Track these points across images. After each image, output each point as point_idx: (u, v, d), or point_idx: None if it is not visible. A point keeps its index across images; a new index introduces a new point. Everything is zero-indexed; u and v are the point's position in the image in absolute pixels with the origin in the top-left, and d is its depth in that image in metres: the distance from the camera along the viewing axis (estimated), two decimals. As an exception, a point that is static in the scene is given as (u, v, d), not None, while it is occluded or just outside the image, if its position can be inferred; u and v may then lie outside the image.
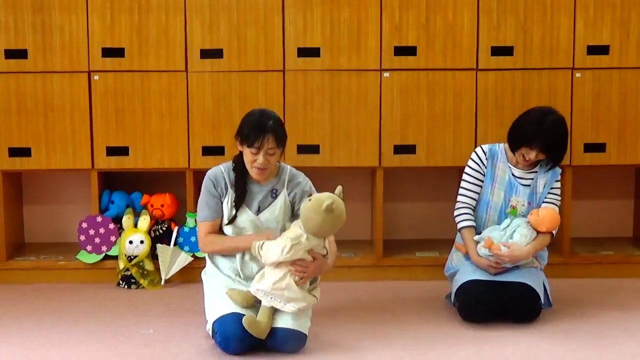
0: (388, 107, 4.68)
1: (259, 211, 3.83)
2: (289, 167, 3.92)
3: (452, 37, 4.64)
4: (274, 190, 3.85)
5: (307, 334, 3.72)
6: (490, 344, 3.80)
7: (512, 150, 4.17)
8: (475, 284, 4.05)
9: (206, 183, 3.86)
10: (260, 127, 3.71)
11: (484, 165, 4.22)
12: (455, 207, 4.25)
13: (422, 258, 4.83)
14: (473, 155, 4.25)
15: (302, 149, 4.68)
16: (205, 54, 4.64)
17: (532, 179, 4.19)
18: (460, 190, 4.25)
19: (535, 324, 4.03)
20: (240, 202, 3.80)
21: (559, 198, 4.23)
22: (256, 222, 3.81)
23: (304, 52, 4.64)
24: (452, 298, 4.18)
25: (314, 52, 4.64)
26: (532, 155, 4.08)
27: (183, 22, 4.63)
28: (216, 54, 4.64)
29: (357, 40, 4.63)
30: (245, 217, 3.81)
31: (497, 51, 4.65)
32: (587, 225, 5.18)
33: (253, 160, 3.73)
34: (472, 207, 4.23)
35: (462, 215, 4.22)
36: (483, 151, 4.23)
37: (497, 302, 4.03)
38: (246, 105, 4.65)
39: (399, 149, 4.71)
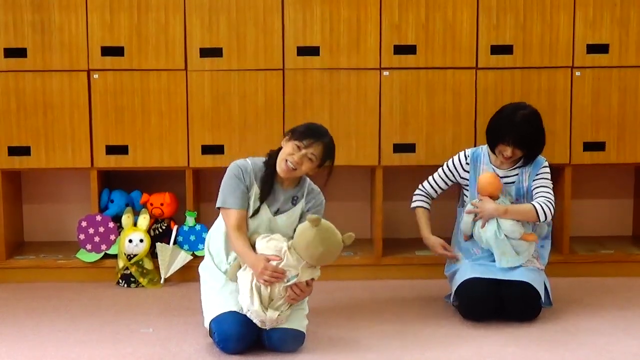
0: (387, 105, 4.68)
1: (277, 213, 3.81)
2: (308, 179, 3.91)
3: (451, 35, 4.64)
4: (295, 198, 3.84)
5: (305, 332, 3.72)
6: (490, 343, 3.79)
7: (491, 149, 4.20)
8: (475, 282, 4.05)
9: (235, 170, 3.77)
10: (318, 133, 3.75)
11: (463, 170, 4.26)
12: (415, 191, 4.36)
13: (422, 257, 4.83)
14: (455, 157, 4.30)
15: (302, 148, 4.68)
16: (205, 52, 4.63)
17: (517, 174, 4.19)
18: (428, 178, 4.34)
19: (535, 323, 4.03)
20: (265, 195, 3.77)
21: (546, 183, 4.17)
22: (272, 224, 3.79)
23: (303, 51, 4.64)
24: (452, 297, 4.18)
25: (313, 51, 4.64)
26: (508, 151, 4.09)
27: (182, 20, 4.62)
28: (216, 52, 4.64)
29: (357, 39, 4.63)
30: (264, 215, 3.79)
31: (496, 50, 4.65)
32: (586, 224, 5.18)
33: (290, 153, 3.69)
34: (430, 197, 4.34)
35: (416, 197, 4.35)
36: (465, 156, 4.27)
37: (497, 301, 4.03)
38: (246, 104, 4.66)
39: (399, 148, 4.71)
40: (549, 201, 4.09)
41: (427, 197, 4.33)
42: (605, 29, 4.65)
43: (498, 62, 4.66)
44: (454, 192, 5.02)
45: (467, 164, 4.24)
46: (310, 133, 3.73)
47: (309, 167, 3.74)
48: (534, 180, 4.17)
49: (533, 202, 4.10)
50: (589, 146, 4.73)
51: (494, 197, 4.13)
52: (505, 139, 4.07)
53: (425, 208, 4.30)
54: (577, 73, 4.68)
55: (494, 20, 4.64)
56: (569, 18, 4.64)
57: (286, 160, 3.71)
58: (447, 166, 4.30)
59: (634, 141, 4.73)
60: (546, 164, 4.22)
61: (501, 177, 4.19)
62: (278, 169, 3.75)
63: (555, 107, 4.68)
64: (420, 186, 4.35)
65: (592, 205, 5.19)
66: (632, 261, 4.83)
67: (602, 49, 4.66)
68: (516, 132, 4.05)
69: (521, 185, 4.18)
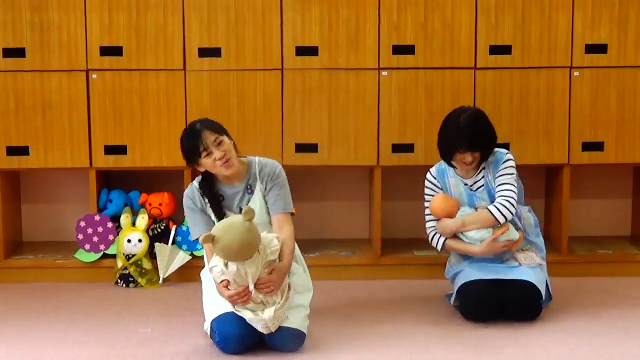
0: (386, 105, 4.68)
1: (241, 212, 3.81)
2: (257, 158, 3.90)
3: (450, 35, 4.64)
4: (249, 187, 3.85)
5: (305, 332, 3.72)
6: (489, 343, 3.79)
7: (448, 162, 4.14)
8: (476, 284, 4.04)
9: (186, 202, 3.86)
10: (192, 134, 3.75)
11: (437, 187, 4.21)
12: (428, 233, 4.23)
13: (420, 257, 4.83)
14: (425, 182, 4.24)
15: (300, 148, 4.68)
16: (203, 52, 4.63)
17: (483, 177, 4.17)
18: (426, 218, 4.23)
19: (535, 323, 4.03)
20: (219, 211, 3.80)
21: (506, 179, 4.07)
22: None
23: (302, 51, 4.64)
24: (453, 297, 4.17)
25: (312, 51, 4.64)
26: (467, 157, 4.03)
27: (181, 20, 4.62)
28: (214, 52, 4.64)
29: (356, 39, 4.63)
30: None
31: (495, 50, 4.65)
32: (585, 224, 5.18)
33: (212, 161, 3.72)
34: None
35: (436, 236, 4.19)
36: (432, 175, 4.23)
37: (498, 302, 4.03)
38: (244, 104, 4.66)
39: (397, 148, 4.71)
40: (505, 199, 4.02)
41: None
42: (604, 29, 4.65)
43: (497, 62, 4.67)
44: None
45: (438, 181, 4.21)
46: (193, 138, 3.73)
47: (228, 148, 3.74)
48: (496, 179, 4.12)
49: (489, 206, 4.05)
50: (588, 146, 4.73)
51: (452, 216, 4.12)
52: (461, 147, 4.00)
53: (448, 238, 4.17)
54: (576, 73, 4.68)
55: (493, 20, 4.64)
56: (568, 18, 4.65)
57: (218, 167, 3.73)
58: (427, 194, 4.24)
59: (633, 141, 4.73)
60: (508, 157, 4.12)
61: (470, 185, 4.17)
62: (223, 174, 3.76)
63: (553, 107, 4.69)
64: (428, 227, 4.22)
65: (590, 205, 5.19)
66: (631, 261, 4.83)
67: (601, 49, 4.66)
68: (467, 135, 3.99)
69: (490, 186, 4.14)
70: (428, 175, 4.25)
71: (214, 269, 3.61)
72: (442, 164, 4.23)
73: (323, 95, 4.67)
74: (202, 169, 3.81)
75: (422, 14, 4.62)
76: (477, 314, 4.04)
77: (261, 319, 3.58)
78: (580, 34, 4.65)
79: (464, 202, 4.17)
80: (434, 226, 4.20)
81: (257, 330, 3.63)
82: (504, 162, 4.11)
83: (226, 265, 3.56)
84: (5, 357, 3.68)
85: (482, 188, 4.15)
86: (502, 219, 4.02)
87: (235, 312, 3.62)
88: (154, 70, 4.65)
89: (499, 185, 4.09)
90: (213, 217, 3.82)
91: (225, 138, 3.77)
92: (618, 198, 5.22)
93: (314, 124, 4.68)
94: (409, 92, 4.67)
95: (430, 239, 4.23)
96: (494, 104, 4.67)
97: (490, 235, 4.05)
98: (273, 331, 3.62)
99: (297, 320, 3.69)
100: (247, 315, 3.60)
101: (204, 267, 3.99)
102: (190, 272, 4.61)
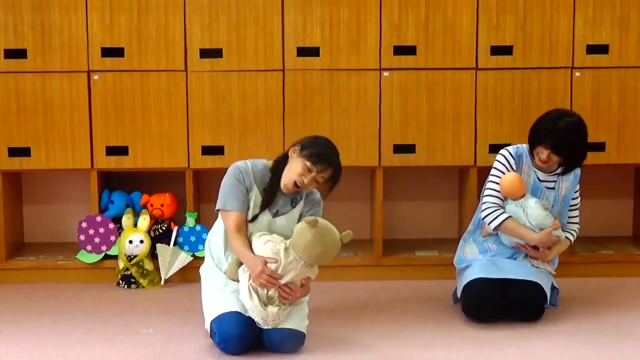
0: (387, 106, 4.68)
1: (276, 214, 3.81)
2: None
3: (451, 36, 4.64)
4: (294, 200, 3.85)
5: (305, 333, 3.72)
6: (490, 344, 3.79)
7: (530, 149, 4.14)
8: (482, 283, 4.03)
9: (235, 173, 3.78)
10: (331, 159, 3.73)
11: (512, 168, 4.15)
12: (484, 208, 4.14)
13: (422, 257, 4.83)
14: (499, 157, 4.18)
15: (302, 149, 4.68)
16: (205, 53, 4.64)
17: (555, 181, 4.17)
18: (487, 192, 4.16)
19: (536, 323, 4.03)
20: (267, 204, 3.78)
21: (579, 203, 4.30)
22: (271, 226, 3.79)
23: (303, 52, 4.64)
24: (459, 292, 4.16)
25: (313, 52, 4.64)
26: (544, 154, 4.04)
27: (182, 21, 4.63)
28: (216, 53, 4.64)
29: (357, 40, 4.63)
30: (264, 218, 3.79)
31: (496, 50, 4.65)
32: (586, 225, 5.14)
33: (301, 174, 3.70)
34: (501, 207, 4.15)
35: (497, 212, 4.10)
36: (510, 153, 4.17)
37: (504, 301, 4.03)
38: (245, 105, 4.66)
39: (399, 149, 4.71)
40: (577, 227, 4.32)
41: (502, 207, 4.14)
42: (605, 29, 4.65)
43: (498, 62, 4.66)
44: (453, 193, 5.03)
45: (515, 162, 4.16)
46: (324, 158, 3.71)
47: (314, 187, 3.80)
48: (573, 199, 4.22)
49: (568, 237, 4.26)
50: (589, 147, 4.69)
51: (516, 198, 4.09)
52: (544, 142, 4.02)
53: (510, 217, 4.10)
54: (577, 74, 4.68)
55: (494, 20, 4.64)
56: (569, 18, 4.64)
57: (295, 182, 3.72)
58: (498, 169, 4.16)
59: (634, 142, 4.73)
60: (579, 179, 4.22)
61: (541, 181, 4.16)
62: (284, 183, 3.75)
63: (555, 107, 4.67)
64: (487, 202, 4.13)
65: (592, 205, 5.18)
66: (632, 261, 4.83)
67: (602, 49, 4.66)
68: (556, 137, 4.00)
69: (557, 193, 4.16)
70: (504, 152, 4.19)
71: (269, 244, 3.63)
72: (520, 148, 4.20)
73: (324, 96, 4.67)
74: (289, 161, 3.77)
75: (423, 14, 4.62)
76: (478, 313, 4.04)
77: (260, 309, 3.59)
78: (581, 35, 4.65)
79: (527, 191, 4.15)
80: (497, 203, 4.13)
81: (255, 328, 3.64)
82: (577, 185, 4.24)
83: (287, 249, 3.60)
84: (6, 357, 3.68)
85: (551, 190, 4.16)
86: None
87: (248, 286, 3.62)
88: (155, 71, 4.65)
89: (573, 209, 4.28)
90: (251, 204, 3.78)
91: (322, 184, 3.76)
92: (619, 198, 5.22)
93: (315, 125, 4.68)
94: (410, 93, 4.67)
95: (487, 213, 4.12)
96: (495, 105, 4.67)
97: (552, 226, 4.09)
98: (270, 327, 3.63)
99: (296, 320, 3.69)
100: (253, 300, 3.60)
101: (203, 263, 3.98)
102: (191, 273, 4.61)
